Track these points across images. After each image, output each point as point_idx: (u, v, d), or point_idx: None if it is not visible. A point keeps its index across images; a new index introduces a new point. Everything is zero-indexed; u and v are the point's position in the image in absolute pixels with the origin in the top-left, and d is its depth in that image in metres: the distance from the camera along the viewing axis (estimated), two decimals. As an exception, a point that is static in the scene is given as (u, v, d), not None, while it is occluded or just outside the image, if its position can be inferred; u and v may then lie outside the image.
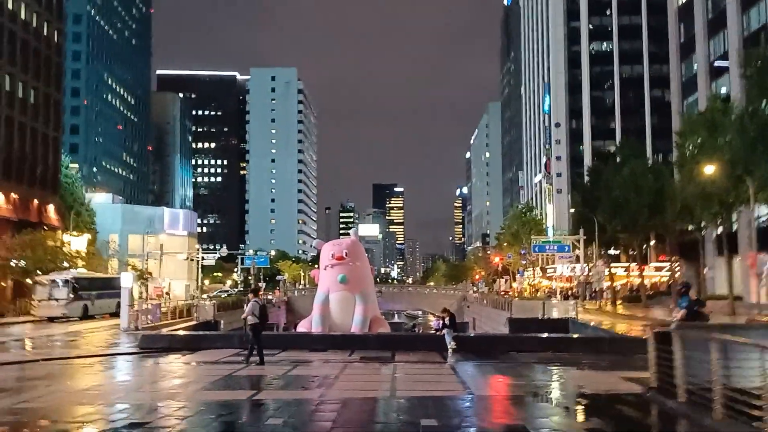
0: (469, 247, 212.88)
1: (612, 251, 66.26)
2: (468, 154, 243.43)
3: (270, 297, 65.85)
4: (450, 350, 17.90)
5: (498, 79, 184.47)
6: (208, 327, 28.16)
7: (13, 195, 49.27)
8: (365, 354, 17.72)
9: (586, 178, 71.57)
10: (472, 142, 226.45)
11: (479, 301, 54.38)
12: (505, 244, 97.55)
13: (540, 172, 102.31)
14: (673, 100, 61.45)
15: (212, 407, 10.10)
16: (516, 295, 66.68)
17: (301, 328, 24.54)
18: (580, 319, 29.77)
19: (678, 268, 56.17)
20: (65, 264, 46.25)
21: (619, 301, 60.27)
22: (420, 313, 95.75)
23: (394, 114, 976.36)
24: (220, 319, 30.92)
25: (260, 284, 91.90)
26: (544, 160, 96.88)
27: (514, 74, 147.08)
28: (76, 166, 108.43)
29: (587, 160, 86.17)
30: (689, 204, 39.77)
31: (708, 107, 41.07)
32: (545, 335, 21.23)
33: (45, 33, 55.28)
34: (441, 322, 19.25)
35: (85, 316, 40.14)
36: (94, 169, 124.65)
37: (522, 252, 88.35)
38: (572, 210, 66.15)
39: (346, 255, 23.45)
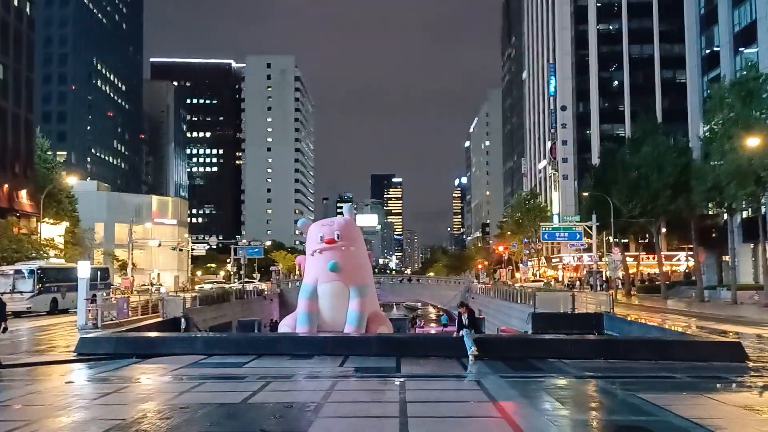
0: (469, 238, 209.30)
1: (621, 239, 62.37)
2: (467, 144, 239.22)
3: (263, 288, 62.10)
4: (471, 357, 13.87)
5: (498, 66, 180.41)
6: (174, 325, 24.09)
7: (-21, 179, 45.25)
8: (362, 363, 13.67)
9: (597, 161, 67.70)
10: (471, 130, 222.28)
11: (486, 292, 50.41)
12: (508, 233, 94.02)
13: (544, 158, 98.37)
14: (691, 76, 57.53)
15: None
16: (522, 285, 62.92)
17: (284, 327, 20.14)
18: (599, 311, 25.86)
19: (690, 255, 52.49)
20: (33, 254, 42.22)
21: (633, 292, 56.58)
22: (419, 304, 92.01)
23: (391, 104, 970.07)
24: (192, 316, 26.81)
25: (254, 275, 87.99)
26: (548, 145, 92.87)
27: (515, 60, 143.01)
28: (64, 153, 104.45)
29: (595, 144, 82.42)
30: (720, 183, 36.03)
31: (743, 76, 37.26)
32: (594, 337, 17.27)
33: (15, 4, 51.00)
34: (457, 319, 15.23)
35: (55, 310, 36.19)
36: (85, 158, 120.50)
37: (525, 241, 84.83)
38: (584, 194, 62.16)
39: (339, 237, 19.04)
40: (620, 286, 55.71)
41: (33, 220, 50.28)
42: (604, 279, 55.69)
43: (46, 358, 16.07)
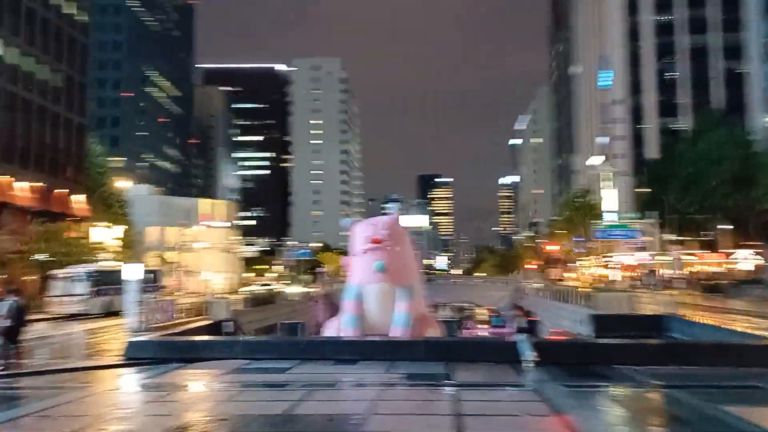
0: (517, 237, 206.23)
1: (678, 237, 59.79)
2: (514, 142, 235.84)
3: (311, 290, 61.99)
4: (529, 363, 12.89)
5: (545, 63, 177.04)
6: (220, 328, 23.78)
7: (33, 183, 46.20)
8: (410, 369, 12.87)
9: (653, 156, 65.31)
10: (518, 128, 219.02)
11: (536, 293, 48.95)
12: (558, 232, 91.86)
13: (596, 154, 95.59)
14: (752, 66, 54.88)
15: None
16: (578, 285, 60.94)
17: (329, 330, 19.50)
18: (664, 313, 24.26)
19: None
20: (85, 257, 42.94)
21: (692, 291, 54.09)
22: (468, 305, 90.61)
23: (436, 104, 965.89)
24: (238, 318, 26.51)
25: (301, 277, 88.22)
26: (601, 141, 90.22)
27: (564, 55, 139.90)
28: (119, 158, 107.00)
29: (650, 139, 79.64)
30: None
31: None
32: (662, 341, 16.00)
33: (67, 11, 52.12)
34: (512, 323, 14.29)
35: (108, 312, 36.53)
36: (138, 163, 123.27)
37: (577, 240, 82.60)
38: (639, 190, 59.89)
39: (384, 237, 18.26)
40: (679, 286, 53.37)
41: (85, 224, 51.24)
42: (661, 278, 53.50)
43: (91, 362, 15.86)
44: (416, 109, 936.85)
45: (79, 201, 51.91)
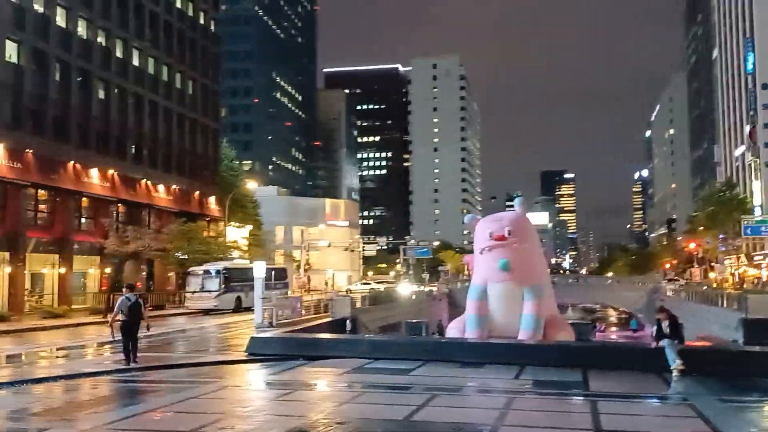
0: (652, 235, 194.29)
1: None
2: (647, 134, 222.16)
3: (432, 289, 61.59)
4: (676, 373, 11.54)
5: (677, 49, 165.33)
6: (343, 325, 23.82)
7: (174, 186, 49.34)
8: (541, 375, 11.92)
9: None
10: (652, 119, 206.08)
11: (677, 294, 45.38)
12: (699, 229, 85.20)
13: (742, 144, 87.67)
14: None
15: None
16: (717, 286, 55.97)
17: (452, 330, 18.74)
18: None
19: None
20: (220, 255, 45.17)
21: None
22: (598, 306, 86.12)
23: (560, 98, 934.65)
24: (359, 316, 26.48)
25: (423, 275, 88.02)
26: (747, 129, 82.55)
27: (702, 39, 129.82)
28: (250, 161, 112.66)
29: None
30: None
31: None
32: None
33: (201, 22, 55.26)
34: (655, 327, 12.91)
35: (239, 308, 38.11)
36: (267, 166, 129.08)
37: (721, 237, 76.18)
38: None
39: (510, 234, 17.17)
40: None
41: (220, 223, 54.03)
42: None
43: (218, 357, 16.26)
44: (539, 104, 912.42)
45: (214, 202, 54.89)
